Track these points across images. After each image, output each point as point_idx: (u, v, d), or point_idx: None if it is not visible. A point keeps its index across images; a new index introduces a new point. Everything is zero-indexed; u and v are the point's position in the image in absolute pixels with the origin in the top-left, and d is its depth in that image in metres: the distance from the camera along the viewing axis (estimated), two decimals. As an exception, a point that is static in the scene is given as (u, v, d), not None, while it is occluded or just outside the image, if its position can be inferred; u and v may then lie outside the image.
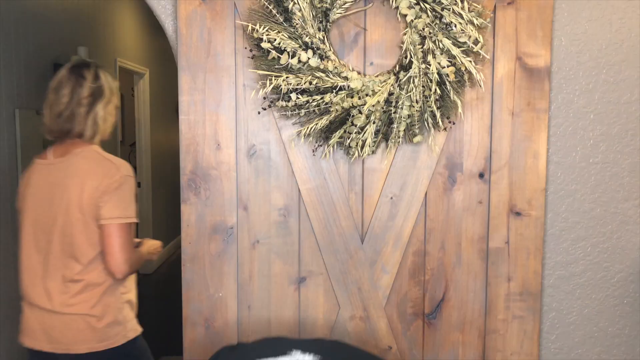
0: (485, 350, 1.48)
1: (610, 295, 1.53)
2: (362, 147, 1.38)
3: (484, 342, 1.47)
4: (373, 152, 1.40)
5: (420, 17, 1.32)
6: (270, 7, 1.34)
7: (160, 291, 5.04)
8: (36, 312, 1.68)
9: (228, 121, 1.44)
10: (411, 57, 1.33)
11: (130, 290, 1.80)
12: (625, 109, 1.47)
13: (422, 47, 1.32)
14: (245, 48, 1.41)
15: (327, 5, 1.34)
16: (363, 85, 1.35)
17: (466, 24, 1.31)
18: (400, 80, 1.35)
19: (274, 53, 1.34)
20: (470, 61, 1.33)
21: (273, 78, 1.35)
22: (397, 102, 1.35)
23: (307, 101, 1.36)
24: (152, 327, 4.28)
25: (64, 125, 1.70)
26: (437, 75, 1.32)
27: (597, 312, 1.53)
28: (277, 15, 1.34)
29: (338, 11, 1.36)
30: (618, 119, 1.47)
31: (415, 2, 1.32)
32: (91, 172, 1.64)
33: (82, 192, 1.62)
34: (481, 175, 1.44)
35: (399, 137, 1.38)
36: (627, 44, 1.44)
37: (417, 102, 1.34)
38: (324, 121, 1.37)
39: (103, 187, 1.61)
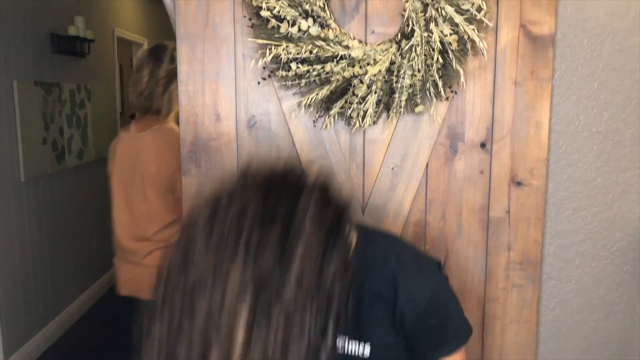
0: (484, 318, 1.50)
1: (610, 264, 1.54)
2: (363, 118, 1.37)
3: (483, 310, 1.49)
4: (374, 122, 1.39)
5: (422, -17, 1.29)
6: (269, -26, 1.31)
7: (164, 262, 5.09)
8: (125, 264, 1.98)
9: (227, 92, 1.43)
10: (413, 25, 1.31)
11: None
12: (629, 77, 1.45)
13: (424, 15, 1.30)
14: (245, 17, 1.38)
15: (328, -28, 1.31)
16: (364, 54, 1.33)
17: (469, -9, 1.28)
18: (402, 49, 1.33)
19: (273, 22, 1.31)
20: (473, 29, 1.31)
21: (273, 47, 1.33)
22: (398, 71, 1.33)
23: (308, 71, 1.34)
24: (157, 297, 4.35)
25: (144, 103, 1.91)
26: (439, 44, 1.30)
27: (596, 281, 1.54)
28: (277, -17, 1.31)
29: (338, -22, 1.33)
30: (622, 88, 1.45)
31: (417, -33, 1.29)
32: (166, 149, 1.83)
33: (159, 166, 1.82)
34: (483, 145, 1.43)
35: (400, 107, 1.37)
36: (634, 9, 1.41)
37: (419, 71, 1.32)
38: (324, 91, 1.35)
39: (177, 163, 1.77)
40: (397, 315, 0.84)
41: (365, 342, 0.85)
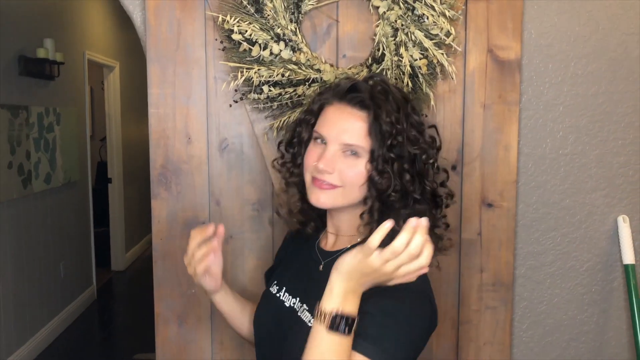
0: (458, 341, 1.49)
1: (579, 284, 1.56)
2: (335, 140, 1.37)
3: (457, 332, 1.49)
4: (346, 145, 1.40)
5: (392, 9, 1.31)
6: (241, -2, 1.31)
7: (134, 288, 4.97)
8: None
9: (199, 114, 1.42)
10: (383, 49, 1.33)
11: None
12: (592, 101, 1.49)
13: (394, 40, 1.32)
14: (216, 40, 1.38)
15: (299, -3, 1.33)
16: (336, 77, 1.34)
17: (438, 16, 1.31)
18: (373, 72, 1.34)
19: (245, 45, 1.32)
20: (442, 53, 1.33)
21: (244, 70, 1.33)
22: (370, 94, 1.35)
23: (280, 94, 1.34)
24: (126, 324, 4.23)
25: None
26: (409, 68, 1.32)
27: (567, 301, 1.56)
28: (248, 6, 1.32)
29: (310, 2, 1.35)
30: (586, 111, 1.50)
31: (387, -6, 1.31)
32: None
33: None
34: (453, 168, 1.44)
35: (372, 130, 1.37)
36: (594, 37, 1.46)
37: (389, 94, 1.34)
38: (297, 114, 1.35)
39: None
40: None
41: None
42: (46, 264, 3.73)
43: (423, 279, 0.95)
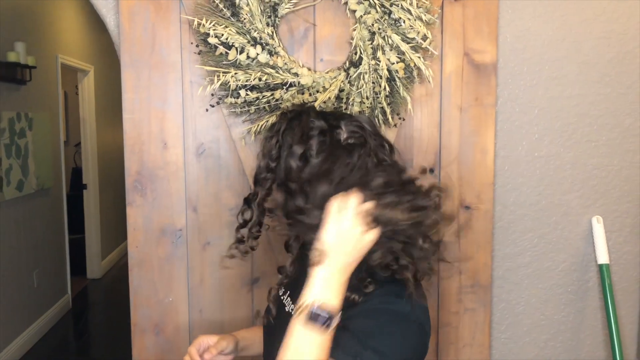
0: (438, 344, 1.50)
1: (556, 285, 1.58)
2: (313, 144, 1.36)
3: (437, 335, 1.49)
4: (325, 149, 1.39)
5: (369, 12, 1.32)
6: (217, 1, 1.30)
7: (110, 296, 4.87)
8: None
9: (175, 119, 1.40)
10: (361, 53, 1.33)
11: None
12: (566, 104, 1.52)
13: (371, 43, 1.32)
14: (192, 43, 1.36)
15: (276, 0, 1.32)
16: (313, 81, 1.33)
17: (415, 20, 1.31)
18: (350, 76, 1.34)
19: (221, 48, 1.30)
20: (419, 57, 1.34)
21: (221, 74, 1.31)
22: (347, 98, 1.34)
23: (257, 98, 1.33)
24: (102, 334, 4.15)
25: None
26: (386, 72, 1.33)
27: (544, 301, 1.58)
28: (224, 10, 1.31)
29: (287, 6, 1.34)
30: (560, 114, 1.52)
31: (363, -3, 1.31)
32: None
33: None
34: (431, 171, 1.45)
35: (350, 134, 1.37)
36: (568, 40, 1.49)
37: (367, 98, 1.34)
38: (274, 118, 1.34)
39: None
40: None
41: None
42: (19, 273, 3.63)
43: (420, 308, 0.93)
